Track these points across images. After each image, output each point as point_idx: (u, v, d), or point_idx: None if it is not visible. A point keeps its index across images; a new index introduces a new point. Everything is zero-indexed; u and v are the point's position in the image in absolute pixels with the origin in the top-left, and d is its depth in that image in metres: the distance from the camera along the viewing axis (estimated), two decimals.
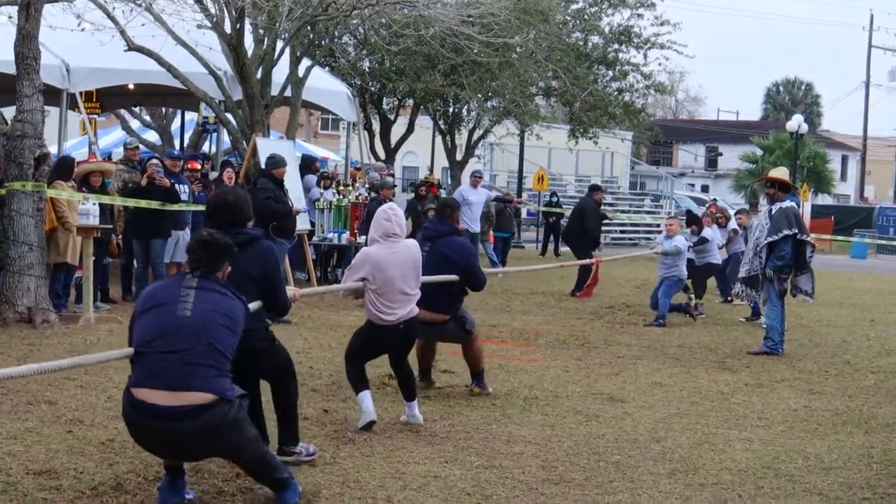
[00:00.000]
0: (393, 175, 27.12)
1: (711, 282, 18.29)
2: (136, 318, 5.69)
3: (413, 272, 8.12)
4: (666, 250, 15.06)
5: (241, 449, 5.67)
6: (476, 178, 21.87)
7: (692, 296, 16.30)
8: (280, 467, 5.86)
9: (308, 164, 19.76)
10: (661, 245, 15.27)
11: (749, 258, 12.67)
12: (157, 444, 5.62)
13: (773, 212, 12.38)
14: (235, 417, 5.54)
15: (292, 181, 16.45)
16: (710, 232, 16.83)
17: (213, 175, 17.24)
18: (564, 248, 28.37)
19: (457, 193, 21.44)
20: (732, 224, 18.15)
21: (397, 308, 8.00)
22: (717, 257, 16.90)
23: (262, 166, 15.18)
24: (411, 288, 8.10)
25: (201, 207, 15.34)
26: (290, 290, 7.10)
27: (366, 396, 7.96)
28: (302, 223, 16.52)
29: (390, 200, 16.27)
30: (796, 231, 12.24)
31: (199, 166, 16.38)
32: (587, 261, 16.48)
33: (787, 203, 12.37)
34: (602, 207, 20.04)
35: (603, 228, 22.23)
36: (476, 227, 20.92)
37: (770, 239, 12.25)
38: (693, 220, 17.25)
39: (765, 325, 13.11)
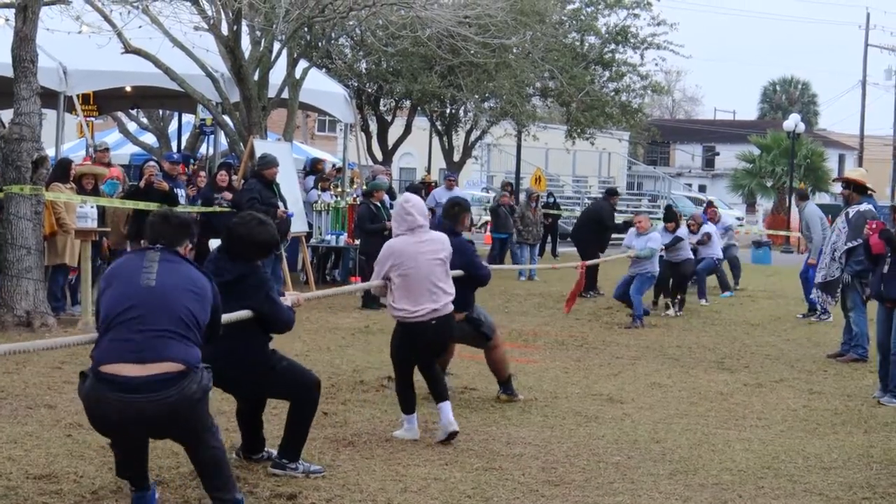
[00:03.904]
0: (390, 175, 27.09)
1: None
2: (101, 296, 5.61)
3: (441, 266, 7.79)
4: (640, 254, 14.80)
5: (203, 432, 5.55)
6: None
7: (656, 301, 16.30)
8: (234, 487, 5.73)
9: (312, 165, 20.07)
10: (635, 248, 14.93)
11: (826, 263, 12.32)
12: (120, 420, 5.37)
13: (851, 215, 11.93)
14: (202, 388, 5.43)
15: (289, 183, 16.43)
16: (683, 231, 16.64)
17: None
18: (562, 249, 28.37)
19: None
20: (705, 228, 17.93)
21: (426, 302, 7.65)
22: (690, 253, 16.60)
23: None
24: (441, 281, 7.75)
25: (198, 209, 15.32)
26: (293, 296, 6.94)
27: (412, 419, 7.76)
28: (299, 225, 16.50)
29: (382, 202, 16.16)
30: None
31: (184, 169, 16.20)
32: (572, 264, 16.27)
33: (865, 206, 11.87)
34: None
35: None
36: None
37: (850, 244, 11.83)
38: (671, 217, 16.71)
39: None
